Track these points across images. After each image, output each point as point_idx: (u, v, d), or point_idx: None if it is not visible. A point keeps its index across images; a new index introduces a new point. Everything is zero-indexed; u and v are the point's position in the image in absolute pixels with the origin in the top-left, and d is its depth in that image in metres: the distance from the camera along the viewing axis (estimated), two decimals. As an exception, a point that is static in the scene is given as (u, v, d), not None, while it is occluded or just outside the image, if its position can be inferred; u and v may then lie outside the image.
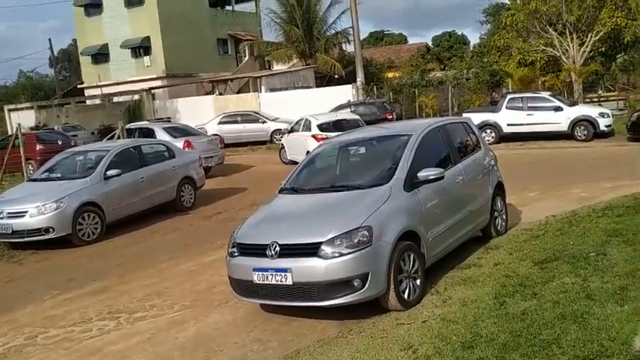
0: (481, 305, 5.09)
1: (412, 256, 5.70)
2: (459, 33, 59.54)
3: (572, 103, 20.10)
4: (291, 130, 18.97)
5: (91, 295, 7.42)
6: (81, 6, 38.38)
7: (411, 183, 6.12)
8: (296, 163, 17.06)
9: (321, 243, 5.31)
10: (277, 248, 5.45)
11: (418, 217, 5.98)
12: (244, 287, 5.73)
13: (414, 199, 6.06)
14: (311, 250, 5.34)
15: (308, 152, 15.16)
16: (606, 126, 18.41)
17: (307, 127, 17.28)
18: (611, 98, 27.92)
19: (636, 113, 17.64)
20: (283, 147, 19.26)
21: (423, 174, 6.17)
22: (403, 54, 44.03)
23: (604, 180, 11.01)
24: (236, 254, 5.85)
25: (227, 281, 6.07)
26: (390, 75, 35.43)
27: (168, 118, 27.65)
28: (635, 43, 27.68)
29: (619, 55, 31.79)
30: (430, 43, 53.30)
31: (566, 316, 4.50)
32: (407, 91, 29.67)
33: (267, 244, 5.52)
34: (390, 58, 41.63)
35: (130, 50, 37.32)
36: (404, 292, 5.54)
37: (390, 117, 21.74)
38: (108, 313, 6.62)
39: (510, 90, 25.96)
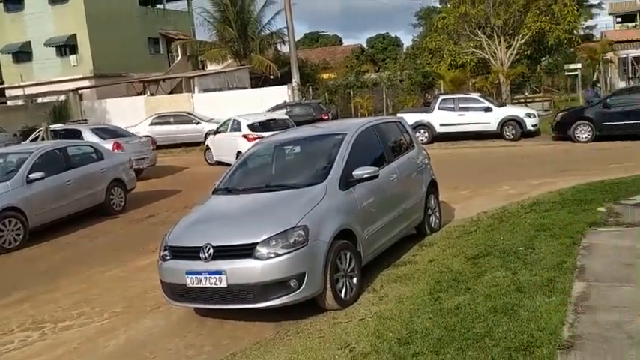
0: (417, 301, 5.16)
1: (348, 254, 5.71)
2: (393, 35, 60.67)
3: (501, 104, 20.88)
4: (217, 131, 18.73)
5: (13, 304, 7.02)
6: (0, 1, 36.46)
7: (347, 182, 6.13)
8: (223, 164, 16.97)
9: (256, 244, 5.24)
10: (211, 250, 5.33)
11: (354, 216, 6.00)
12: (177, 291, 5.57)
13: (349, 198, 6.08)
14: (246, 251, 5.25)
15: (239, 153, 15.23)
16: (533, 126, 19.23)
17: (236, 127, 17.15)
18: (537, 99, 29.21)
19: (560, 113, 18.54)
20: (209, 148, 19.05)
21: (358, 173, 6.20)
22: (338, 55, 44.43)
23: (531, 177, 11.46)
24: (168, 257, 5.68)
25: (159, 286, 5.88)
26: (325, 76, 35.67)
27: (85, 120, 26.63)
28: (559, 47, 29.06)
29: (543, 58, 33.31)
30: (364, 45, 54.05)
31: (498, 309, 4.61)
32: (342, 91, 29.95)
33: (201, 246, 5.38)
34: (325, 59, 41.92)
35: (54, 49, 35.75)
36: (341, 291, 5.54)
37: (326, 117, 21.85)
38: (31, 323, 6.28)
39: (442, 91, 26.68)
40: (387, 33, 60.48)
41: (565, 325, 4.17)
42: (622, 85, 25.68)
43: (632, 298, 4.56)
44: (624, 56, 27.73)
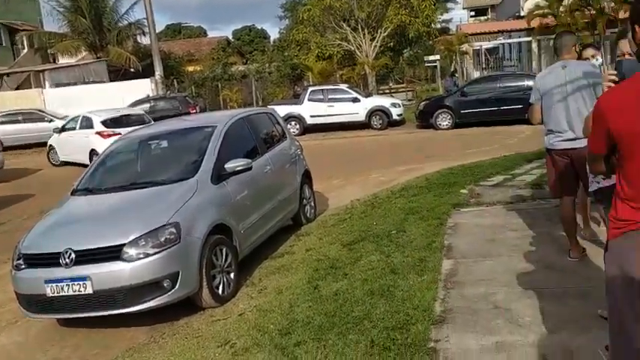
0: (296, 291, 5.21)
1: (224, 249, 5.63)
2: (259, 27, 60.77)
3: (368, 95, 21.78)
4: (63, 129, 17.63)
5: None
6: None
7: (219, 175, 6.04)
8: (73, 164, 16.11)
9: (123, 245, 4.98)
10: (72, 255, 4.99)
11: (228, 210, 5.92)
12: (36, 302, 5.15)
13: (222, 192, 5.99)
14: (113, 253, 4.98)
15: (93, 151, 14.60)
16: (398, 115, 20.25)
17: (87, 124, 16.29)
18: (401, 90, 30.77)
19: (423, 103, 19.69)
20: (52, 148, 17.90)
21: (230, 165, 6.13)
22: (203, 47, 43.61)
23: (399, 164, 12.04)
24: (23, 266, 5.23)
25: (15, 298, 5.41)
26: (190, 68, 34.88)
27: None
28: (419, 39, 30.80)
29: (405, 50, 35.17)
30: (230, 37, 53.54)
31: (375, 292, 4.79)
32: (210, 84, 29.52)
33: (61, 252, 5.02)
34: (190, 51, 40.92)
35: None
36: (218, 288, 5.45)
37: (194, 111, 21.35)
38: None
39: (311, 83, 27.20)
40: (254, 25, 60.49)
41: (437, 302, 4.43)
42: (477, 74, 27.76)
43: (495, 270, 4.96)
44: (478, 48, 29.97)
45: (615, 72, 3.67)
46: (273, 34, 79.48)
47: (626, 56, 4.05)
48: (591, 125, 2.46)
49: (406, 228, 6.58)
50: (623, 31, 4.53)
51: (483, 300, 4.37)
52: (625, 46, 4.07)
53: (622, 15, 20.92)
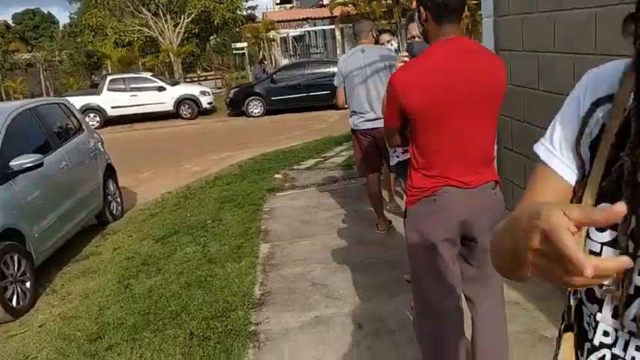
0: (105, 293, 4.97)
1: (16, 257, 5.15)
2: (45, 11, 56.10)
3: (175, 83, 21.31)
4: None
5: None
6: None
7: (3, 174, 5.50)
8: None
9: None
10: None
11: (18, 212, 5.42)
12: None
13: (10, 193, 5.46)
14: None
15: None
16: (208, 103, 20.14)
17: None
18: (210, 78, 30.58)
19: (233, 90, 19.78)
20: None
21: (16, 163, 5.61)
22: (-23, 33, 39.02)
23: (212, 153, 12.00)
24: None
25: None
26: (-38, 57, 31.06)
27: None
28: (225, 26, 30.82)
29: (212, 37, 34.95)
30: (10, 22, 48.67)
31: (192, 284, 4.76)
32: (-12, 75, 26.58)
33: None
34: (-40, 37, 36.40)
35: None
36: (11, 300, 4.97)
37: (-30, 106, 19.14)
38: None
39: (110, 72, 25.85)
40: (38, 8, 55.93)
41: (256, 285, 4.54)
42: (285, 62, 28.57)
43: (310, 249, 5.20)
44: (285, 35, 30.85)
45: (407, 53, 4.06)
46: (63, 18, 74.04)
47: (416, 38, 4.50)
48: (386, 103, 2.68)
49: (222, 217, 6.61)
50: (412, 15, 5.01)
51: (301, 279, 4.56)
52: (414, 29, 4.51)
53: (415, 5, 23.01)
